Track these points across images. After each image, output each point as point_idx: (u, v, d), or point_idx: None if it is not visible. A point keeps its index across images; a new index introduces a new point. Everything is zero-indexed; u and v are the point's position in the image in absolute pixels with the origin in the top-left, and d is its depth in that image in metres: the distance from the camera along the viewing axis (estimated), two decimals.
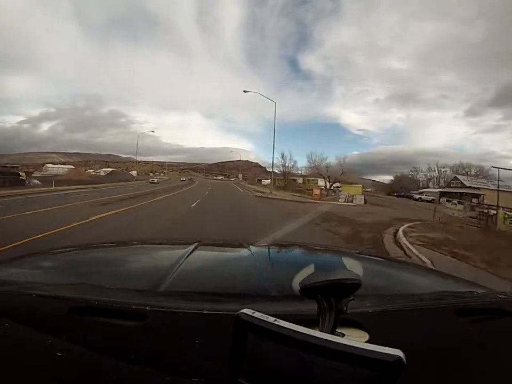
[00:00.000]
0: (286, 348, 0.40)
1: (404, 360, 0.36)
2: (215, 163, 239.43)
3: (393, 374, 0.36)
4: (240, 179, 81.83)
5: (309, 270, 0.57)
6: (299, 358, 0.40)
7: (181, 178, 78.14)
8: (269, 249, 1.50)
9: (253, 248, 1.30)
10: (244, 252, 1.33)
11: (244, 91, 26.25)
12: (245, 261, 1.24)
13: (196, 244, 1.30)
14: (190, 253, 1.14)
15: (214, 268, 1.17)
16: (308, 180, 44.99)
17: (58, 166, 74.81)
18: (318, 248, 1.84)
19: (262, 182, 66.49)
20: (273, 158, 35.60)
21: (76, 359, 0.54)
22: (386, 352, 0.36)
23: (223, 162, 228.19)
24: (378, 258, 1.60)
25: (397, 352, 0.36)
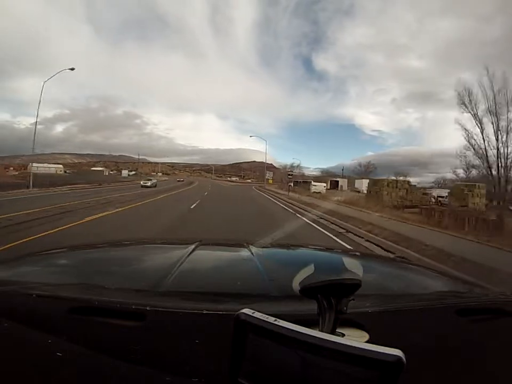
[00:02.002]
0: (286, 348, 0.40)
1: (404, 360, 0.36)
2: (229, 164, 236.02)
3: (393, 374, 0.36)
4: (270, 181, 47.42)
5: (309, 270, 0.57)
6: (299, 358, 0.40)
7: (143, 182, 34.89)
8: (269, 249, 1.50)
9: (253, 248, 1.30)
10: (244, 251, 1.33)
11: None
12: (245, 261, 1.24)
13: (196, 243, 1.30)
14: (190, 253, 1.14)
15: (214, 268, 1.17)
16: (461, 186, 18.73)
17: (45, 165, 69.91)
18: (318, 248, 1.84)
19: (313, 188, 36.86)
20: None
21: (76, 359, 0.54)
22: (386, 352, 0.36)
23: (237, 163, 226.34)
24: (379, 258, 1.60)
25: (397, 352, 0.36)
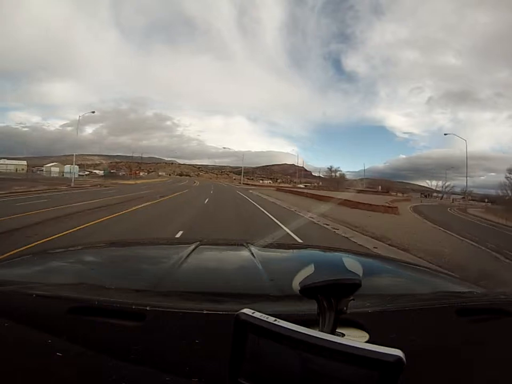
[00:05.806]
0: (286, 348, 0.40)
1: (404, 360, 0.36)
2: (260, 166, 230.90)
3: (393, 374, 0.36)
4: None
5: (309, 270, 0.57)
6: (299, 358, 0.40)
7: None
8: (269, 249, 1.50)
9: (253, 248, 1.30)
10: (244, 251, 1.33)
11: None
12: (245, 261, 1.24)
13: (196, 243, 1.30)
14: (190, 253, 1.14)
15: (214, 268, 1.17)
16: None
17: (5, 163, 66.34)
18: (318, 248, 1.84)
19: None
20: None
21: (76, 359, 0.54)
22: (386, 352, 0.36)
23: (268, 165, 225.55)
24: (378, 258, 1.60)
25: (397, 352, 0.36)
